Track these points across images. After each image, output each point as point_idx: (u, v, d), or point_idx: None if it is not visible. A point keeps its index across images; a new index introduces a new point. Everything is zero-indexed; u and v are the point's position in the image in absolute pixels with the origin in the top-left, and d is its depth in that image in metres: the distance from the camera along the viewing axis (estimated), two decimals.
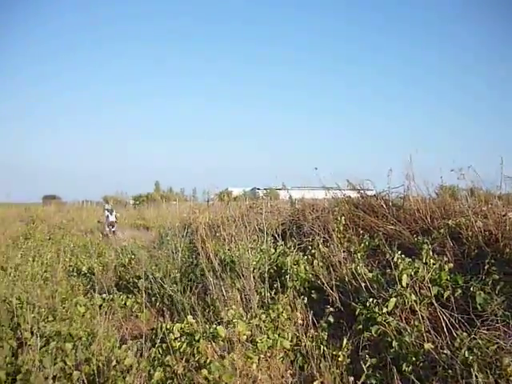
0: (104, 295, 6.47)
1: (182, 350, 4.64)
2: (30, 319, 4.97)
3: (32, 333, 4.70)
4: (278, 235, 7.10)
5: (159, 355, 4.55)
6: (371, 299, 4.92)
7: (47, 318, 5.28)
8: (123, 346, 4.69)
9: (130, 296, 6.91)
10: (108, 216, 16.59)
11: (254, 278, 5.86)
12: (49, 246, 11.38)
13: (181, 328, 4.93)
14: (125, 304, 6.71)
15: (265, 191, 19.03)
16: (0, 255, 9.76)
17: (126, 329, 5.62)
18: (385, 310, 4.76)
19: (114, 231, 16.01)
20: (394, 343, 4.39)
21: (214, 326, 4.83)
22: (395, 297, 4.84)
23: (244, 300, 5.79)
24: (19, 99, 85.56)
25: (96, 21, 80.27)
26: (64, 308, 5.78)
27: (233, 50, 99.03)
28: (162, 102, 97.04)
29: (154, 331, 5.30)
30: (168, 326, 4.99)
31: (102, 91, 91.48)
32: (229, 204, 10.76)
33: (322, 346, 4.77)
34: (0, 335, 4.97)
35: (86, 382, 3.96)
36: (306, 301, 5.69)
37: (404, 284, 4.91)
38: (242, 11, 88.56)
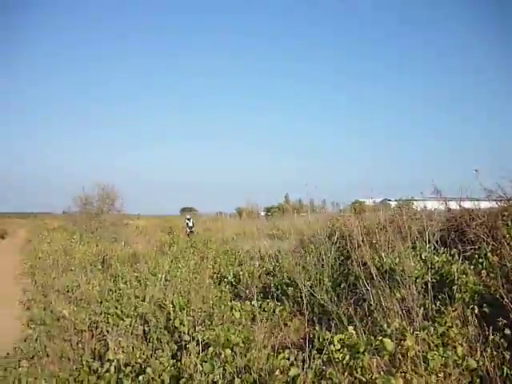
0: (253, 302, 6.34)
1: (344, 362, 4.28)
2: (187, 323, 4.94)
3: (190, 336, 4.65)
4: (437, 242, 6.47)
5: (322, 367, 4.22)
6: None
7: (204, 322, 5.22)
8: (280, 355, 4.46)
9: (279, 304, 6.71)
10: (187, 223, 22.56)
11: (415, 287, 5.33)
12: (192, 254, 11.71)
13: (341, 339, 4.57)
14: (273, 312, 6.51)
15: (396, 202, 18.12)
16: (149, 262, 10.15)
17: (276, 337, 5.39)
18: None
19: (191, 231, 21.50)
20: None
21: (380, 338, 4.40)
22: None
23: (404, 311, 5.29)
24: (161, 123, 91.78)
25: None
26: (220, 313, 5.70)
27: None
28: (292, 117, 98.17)
29: (307, 341, 5.02)
30: (326, 337, 4.66)
31: (237, 104, 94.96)
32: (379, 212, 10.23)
33: (504, 368, 4.14)
34: (159, 337, 5.01)
35: None
36: (477, 314, 5.04)
37: None
38: None
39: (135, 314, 5.89)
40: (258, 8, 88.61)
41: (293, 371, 3.89)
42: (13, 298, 9.36)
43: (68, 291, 7.74)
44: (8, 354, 5.66)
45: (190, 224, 22.49)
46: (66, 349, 5.23)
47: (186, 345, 4.50)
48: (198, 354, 4.22)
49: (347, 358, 4.28)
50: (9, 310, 8.56)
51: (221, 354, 4.35)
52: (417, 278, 5.44)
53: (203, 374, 3.97)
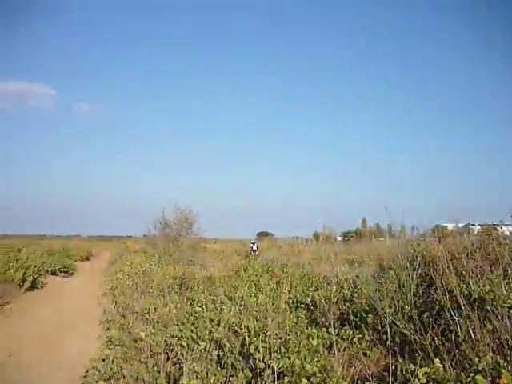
0: (330, 329, 6.09)
1: None
2: (262, 349, 4.79)
3: (265, 364, 4.50)
4: None
5: None
6: None
7: (279, 349, 5.04)
8: None
9: (357, 332, 6.40)
10: (252, 246, 25.62)
11: (508, 318, 4.88)
12: (267, 278, 11.58)
13: (426, 373, 4.25)
14: (352, 340, 6.22)
15: (479, 227, 17.11)
16: (225, 285, 10.14)
17: (355, 367, 5.11)
18: None
19: (255, 255, 22.03)
20: None
21: (471, 374, 4.03)
22: None
23: (497, 344, 4.85)
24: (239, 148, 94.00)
25: None
26: (296, 340, 5.51)
27: None
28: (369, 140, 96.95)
29: (389, 373, 4.71)
30: (410, 369, 4.35)
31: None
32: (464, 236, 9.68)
33: None
34: (233, 363, 4.89)
35: None
36: None
37: None
38: None
39: (210, 338, 5.82)
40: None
41: None
42: (95, 318, 9.65)
43: (146, 313, 7.84)
44: (87, 372, 5.79)
45: (254, 247, 25.54)
46: (141, 371, 5.24)
47: (260, 372, 4.36)
48: (273, 382, 4.06)
49: None
50: (91, 330, 8.83)
51: (297, 383, 4.16)
52: (510, 308, 4.99)
53: None
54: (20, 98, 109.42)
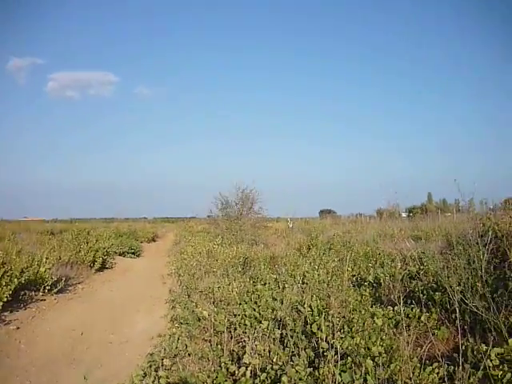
0: (396, 308, 5.91)
1: (504, 381, 3.74)
2: (324, 329, 4.70)
3: (328, 343, 4.40)
4: None
5: None
6: None
7: (343, 328, 4.94)
8: (428, 368, 4.04)
9: (424, 310, 6.17)
10: (289, 224, 25.99)
11: None
12: (331, 256, 11.45)
13: (499, 353, 4.02)
14: (419, 319, 6.00)
15: None
16: (288, 264, 10.09)
17: (421, 347, 4.92)
18: None
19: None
20: None
21: None
22: None
23: None
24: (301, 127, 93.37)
25: None
26: (360, 318, 5.38)
27: None
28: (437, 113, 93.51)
29: (459, 353, 4.49)
30: (482, 350, 4.13)
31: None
32: None
33: None
34: (296, 342, 4.84)
35: None
36: None
37: None
38: None
39: (272, 316, 5.79)
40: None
41: None
42: (160, 297, 9.91)
43: (209, 292, 7.92)
44: (154, 350, 5.93)
45: (291, 225, 26.70)
46: (205, 349, 5.29)
47: (323, 352, 4.27)
48: (337, 362, 3.97)
49: (508, 375, 3.74)
50: (157, 308, 9.07)
51: (361, 364, 4.04)
52: None
53: None
54: (85, 86, 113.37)
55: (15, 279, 8.91)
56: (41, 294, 9.84)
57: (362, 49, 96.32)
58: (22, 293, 9.45)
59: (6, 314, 8.39)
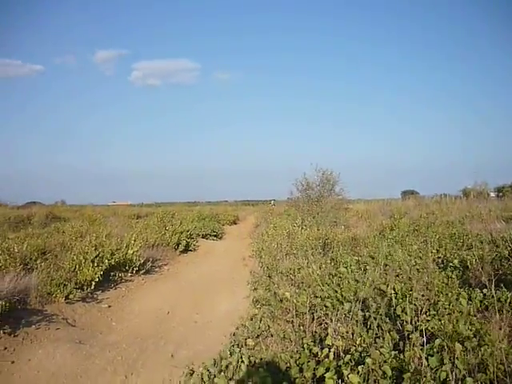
0: (485, 290, 5.67)
1: None
2: (409, 311, 4.59)
3: (413, 326, 4.30)
4: None
5: None
6: None
7: (428, 310, 4.80)
8: None
9: None
10: (271, 205, 32.48)
11: None
12: (414, 237, 11.13)
13: None
14: (510, 303, 5.70)
15: None
16: (369, 245, 9.94)
17: None
18: None
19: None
20: None
21: None
22: None
23: None
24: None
25: None
26: (446, 301, 5.20)
27: None
28: None
29: None
30: None
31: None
32: None
33: None
34: (380, 324, 4.75)
35: None
36: None
37: None
38: None
39: (355, 298, 5.72)
40: None
41: None
42: (242, 278, 10.08)
43: (290, 274, 7.95)
44: (237, 330, 6.06)
45: (271, 206, 32.26)
46: (287, 330, 5.32)
47: (408, 335, 4.17)
48: (423, 346, 3.86)
49: None
50: (238, 289, 9.24)
51: (449, 347, 3.91)
52: None
53: (430, 369, 3.60)
54: (167, 73, 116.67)
55: (106, 260, 9.47)
56: (129, 274, 10.40)
57: None
58: (112, 273, 10.01)
59: (98, 293, 8.95)
